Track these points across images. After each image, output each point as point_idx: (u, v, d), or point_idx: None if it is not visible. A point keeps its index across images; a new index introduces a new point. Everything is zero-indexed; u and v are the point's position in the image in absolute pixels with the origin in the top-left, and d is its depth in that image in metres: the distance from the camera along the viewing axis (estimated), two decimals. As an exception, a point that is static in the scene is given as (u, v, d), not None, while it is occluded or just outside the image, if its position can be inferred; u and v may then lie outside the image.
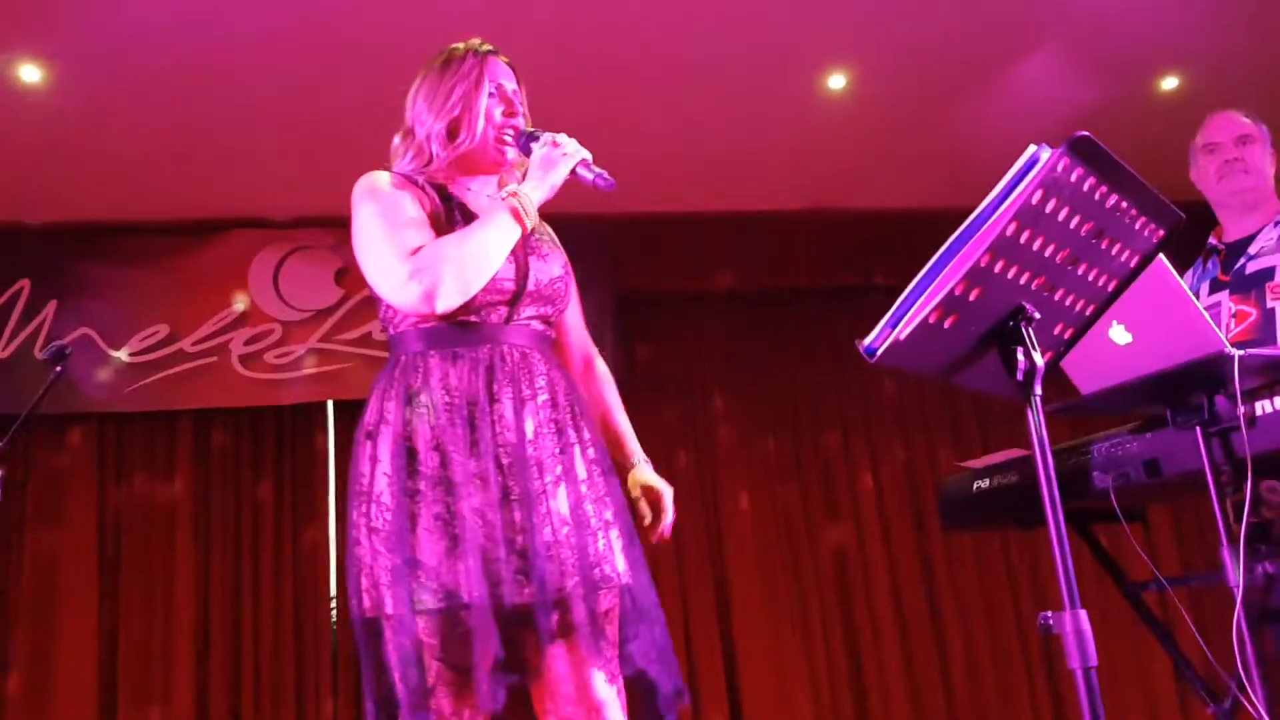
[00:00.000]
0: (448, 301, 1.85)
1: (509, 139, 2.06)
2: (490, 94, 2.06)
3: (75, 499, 5.17)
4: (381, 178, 2.04)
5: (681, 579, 5.57)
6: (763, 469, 5.88)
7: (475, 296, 1.89)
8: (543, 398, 1.93)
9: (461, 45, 2.12)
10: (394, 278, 1.87)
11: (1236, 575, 2.01)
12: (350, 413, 5.42)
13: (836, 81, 4.89)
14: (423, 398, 1.89)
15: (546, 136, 2.01)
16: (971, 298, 1.48)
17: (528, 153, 2.03)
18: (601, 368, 2.27)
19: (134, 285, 5.33)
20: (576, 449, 1.94)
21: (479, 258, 1.86)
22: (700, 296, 5.97)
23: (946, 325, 1.49)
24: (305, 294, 5.47)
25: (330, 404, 5.43)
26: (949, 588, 5.77)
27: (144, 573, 5.14)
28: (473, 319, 1.93)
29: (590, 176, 1.98)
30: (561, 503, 1.87)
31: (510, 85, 2.10)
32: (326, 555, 5.23)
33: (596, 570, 1.86)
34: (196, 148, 4.82)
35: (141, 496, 5.26)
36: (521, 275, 1.97)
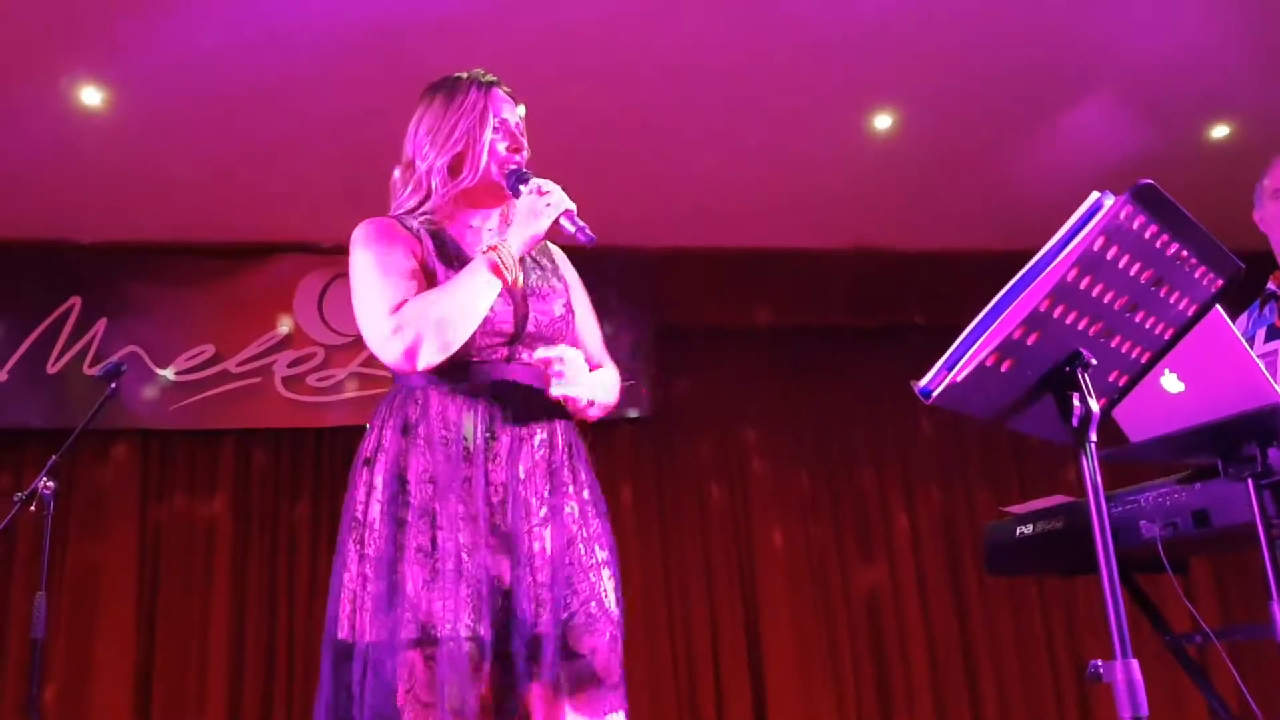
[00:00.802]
0: (427, 359, 1.87)
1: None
2: (495, 128, 2.04)
3: (117, 514, 5.24)
4: (376, 227, 2.03)
5: (712, 614, 5.55)
6: (797, 506, 5.86)
7: (474, 339, 1.91)
8: (539, 438, 1.94)
9: (465, 75, 2.11)
10: (377, 334, 1.90)
11: (1285, 630, 1.98)
12: (389, 437, 5.46)
13: (883, 122, 4.91)
14: (419, 430, 1.90)
15: (533, 183, 1.98)
16: (1029, 342, 1.48)
17: (516, 194, 2.01)
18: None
19: (182, 305, 5.42)
20: (570, 488, 1.95)
21: (457, 315, 1.87)
22: (739, 332, 5.98)
23: (1003, 369, 1.49)
24: (348, 319, 5.48)
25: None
26: (983, 632, 5.70)
27: (182, 590, 5.18)
28: (474, 359, 1.94)
29: (572, 229, 1.95)
30: (548, 543, 1.87)
31: (513, 118, 2.08)
32: (361, 578, 5.25)
33: (586, 609, 1.86)
34: (248, 172, 4.91)
35: (182, 514, 5.32)
36: (519, 318, 1.98)
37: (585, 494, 1.97)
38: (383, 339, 1.89)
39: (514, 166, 2.03)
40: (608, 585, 1.91)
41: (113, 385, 3.35)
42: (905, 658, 5.63)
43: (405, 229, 2.01)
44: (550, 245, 2.17)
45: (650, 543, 5.54)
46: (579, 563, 1.88)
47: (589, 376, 1.99)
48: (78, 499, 5.19)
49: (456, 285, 1.89)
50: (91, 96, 4.41)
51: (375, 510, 1.87)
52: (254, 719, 5.03)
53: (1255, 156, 3.04)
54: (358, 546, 1.88)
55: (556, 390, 1.93)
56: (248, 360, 5.40)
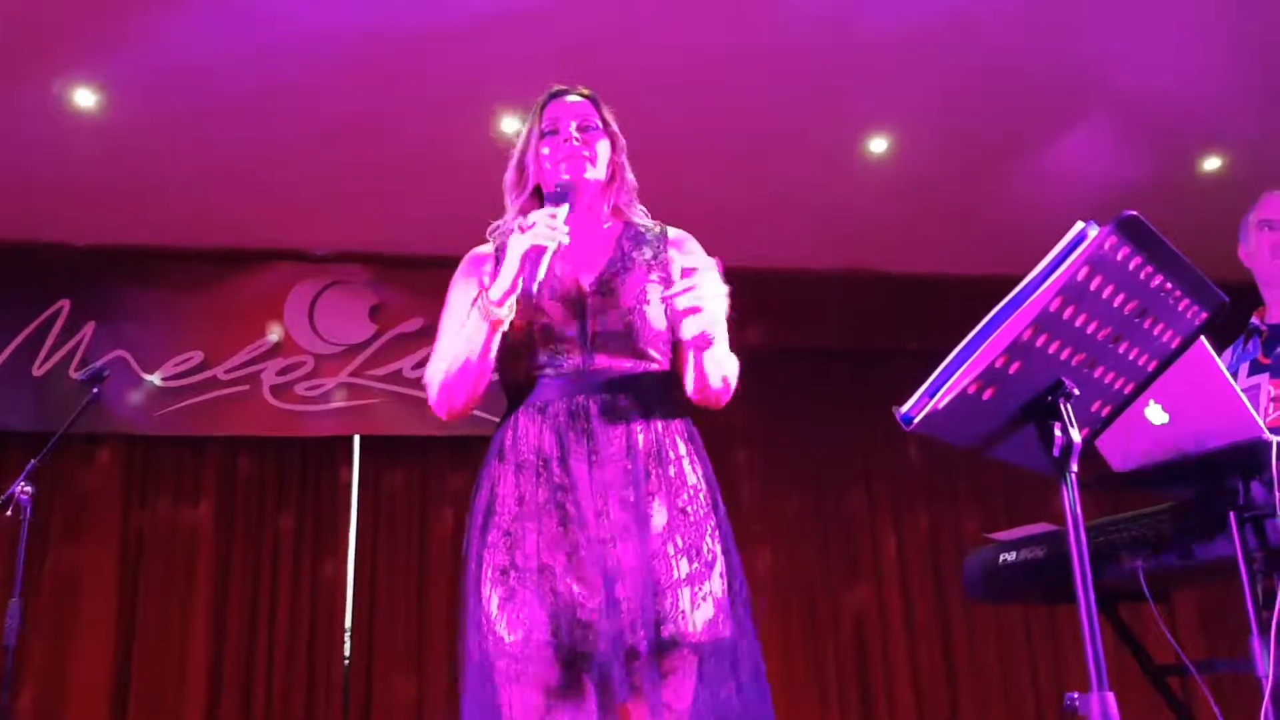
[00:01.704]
0: (450, 411, 1.93)
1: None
2: (544, 137, 2.01)
3: (99, 519, 5.20)
4: (463, 265, 2.06)
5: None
6: (785, 527, 5.84)
7: (544, 345, 1.90)
8: (619, 446, 1.87)
9: (548, 90, 2.10)
10: (425, 380, 1.98)
11: (1266, 665, 1.97)
12: (376, 448, 5.45)
13: (878, 145, 4.93)
14: (510, 454, 1.89)
15: (532, 216, 1.84)
16: (1012, 371, 1.47)
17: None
18: None
19: (171, 310, 5.40)
20: (655, 500, 1.86)
21: (455, 370, 1.89)
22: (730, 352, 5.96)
23: (985, 397, 1.48)
24: (339, 328, 5.52)
25: (357, 438, 5.45)
26: (967, 657, 5.69)
27: (162, 596, 5.15)
28: (548, 372, 1.91)
29: (523, 278, 1.80)
30: (629, 558, 1.81)
31: (570, 121, 2.01)
32: (344, 589, 5.23)
33: (664, 632, 1.79)
34: (241, 177, 4.90)
35: (165, 520, 5.28)
36: (580, 324, 1.91)
37: (683, 497, 1.90)
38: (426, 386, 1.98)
39: (559, 184, 1.95)
40: (686, 605, 1.81)
41: (95, 390, 3.33)
42: (889, 680, 5.61)
43: (491, 257, 2.02)
44: (672, 232, 2.10)
45: (637, 561, 5.52)
46: (660, 582, 1.81)
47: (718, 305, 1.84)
48: (60, 503, 5.16)
49: (454, 342, 1.92)
50: (85, 99, 4.40)
51: (472, 534, 1.89)
52: (231, 728, 4.99)
53: (1247, 189, 3.05)
54: (464, 572, 1.90)
55: (691, 330, 1.81)
56: (236, 367, 5.38)
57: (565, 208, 1.86)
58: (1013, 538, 2.62)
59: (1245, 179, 3.39)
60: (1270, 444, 1.91)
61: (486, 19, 4.03)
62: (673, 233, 2.11)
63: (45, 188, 4.92)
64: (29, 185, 4.88)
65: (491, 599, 1.80)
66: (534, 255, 1.79)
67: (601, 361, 1.91)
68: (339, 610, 5.22)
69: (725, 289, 1.87)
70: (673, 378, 1.99)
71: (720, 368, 1.98)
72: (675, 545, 1.85)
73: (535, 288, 1.79)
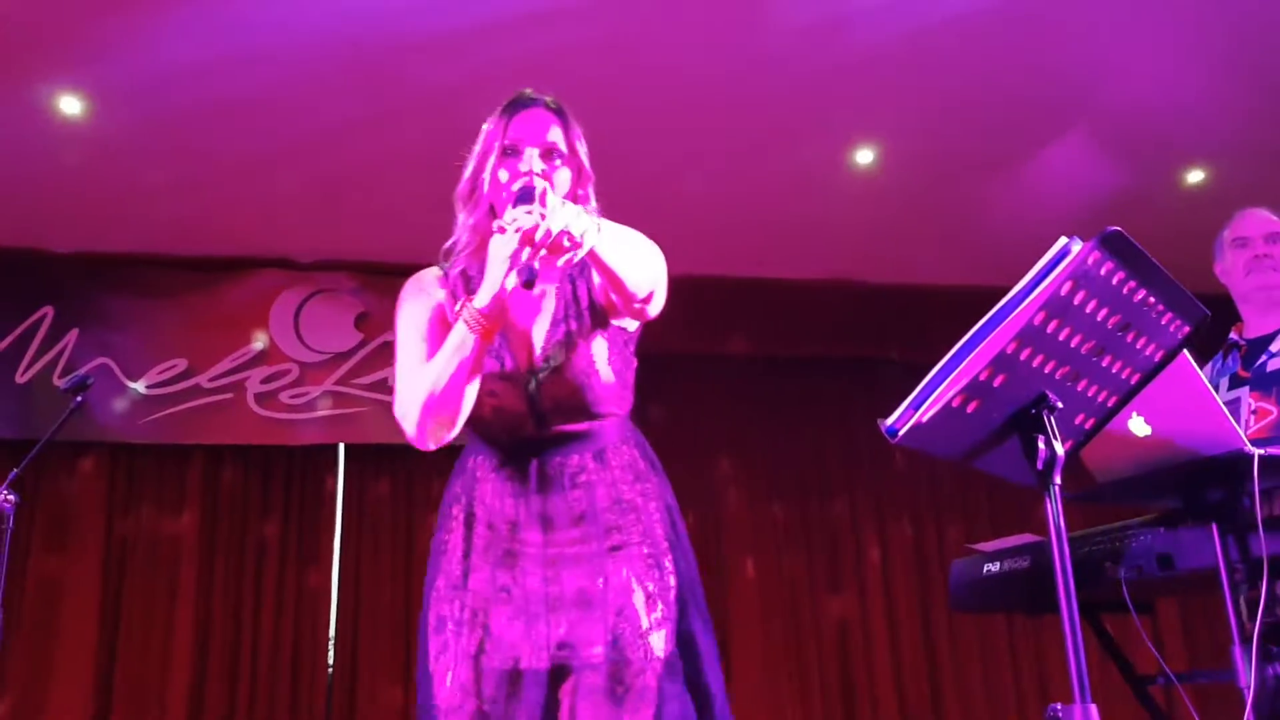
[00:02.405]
0: (432, 439, 1.79)
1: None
2: (503, 153, 1.87)
3: (82, 527, 5.18)
4: (408, 289, 1.94)
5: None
6: (770, 536, 5.85)
7: (496, 423, 1.85)
8: (575, 509, 1.84)
9: (513, 97, 1.94)
10: (397, 416, 1.83)
11: (1248, 676, 1.98)
12: (361, 457, 5.43)
13: (864, 156, 4.95)
14: (465, 504, 1.88)
15: (509, 215, 1.67)
16: (995, 384, 1.48)
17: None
18: None
19: (155, 318, 5.38)
20: (620, 553, 1.84)
21: (443, 396, 1.74)
22: (715, 360, 5.98)
23: (969, 410, 1.49)
24: (324, 336, 5.51)
25: (342, 447, 5.43)
26: (951, 667, 5.70)
27: (145, 605, 5.12)
28: (502, 438, 1.87)
29: (511, 284, 1.66)
30: (576, 618, 1.79)
31: (535, 143, 1.86)
32: (328, 598, 5.22)
33: (627, 673, 1.77)
34: (227, 186, 4.89)
35: (148, 529, 5.26)
36: (532, 396, 1.85)
37: (646, 546, 1.86)
38: (400, 422, 1.81)
39: (521, 185, 1.77)
40: (656, 645, 1.79)
41: (78, 399, 3.31)
42: (873, 689, 5.62)
43: (443, 278, 1.94)
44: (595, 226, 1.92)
45: (621, 569, 5.51)
46: (628, 631, 1.80)
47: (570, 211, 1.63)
48: (43, 511, 5.13)
49: (439, 362, 1.76)
50: (71, 106, 4.38)
51: (427, 578, 1.89)
52: (215, 739, 4.97)
53: (1230, 201, 3.08)
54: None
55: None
56: (220, 375, 5.36)
57: (537, 205, 1.68)
58: (996, 548, 2.63)
59: (1228, 192, 3.42)
60: (1251, 456, 1.92)
61: (472, 28, 4.03)
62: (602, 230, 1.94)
63: (29, 194, 4.90)
64: (13, 192, 4.86)
65: (429, 648, 1.81)
66: (515, 258, 1.62)
67: (556, 426, 1.86)
68: (323, 619, 5.20)
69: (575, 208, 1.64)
70: (628, 419, 1.97)
71: (624, 263, 1.75)
72: (644, 591, 1.83)
73: (536, 289, 1.70)
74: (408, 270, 2.03)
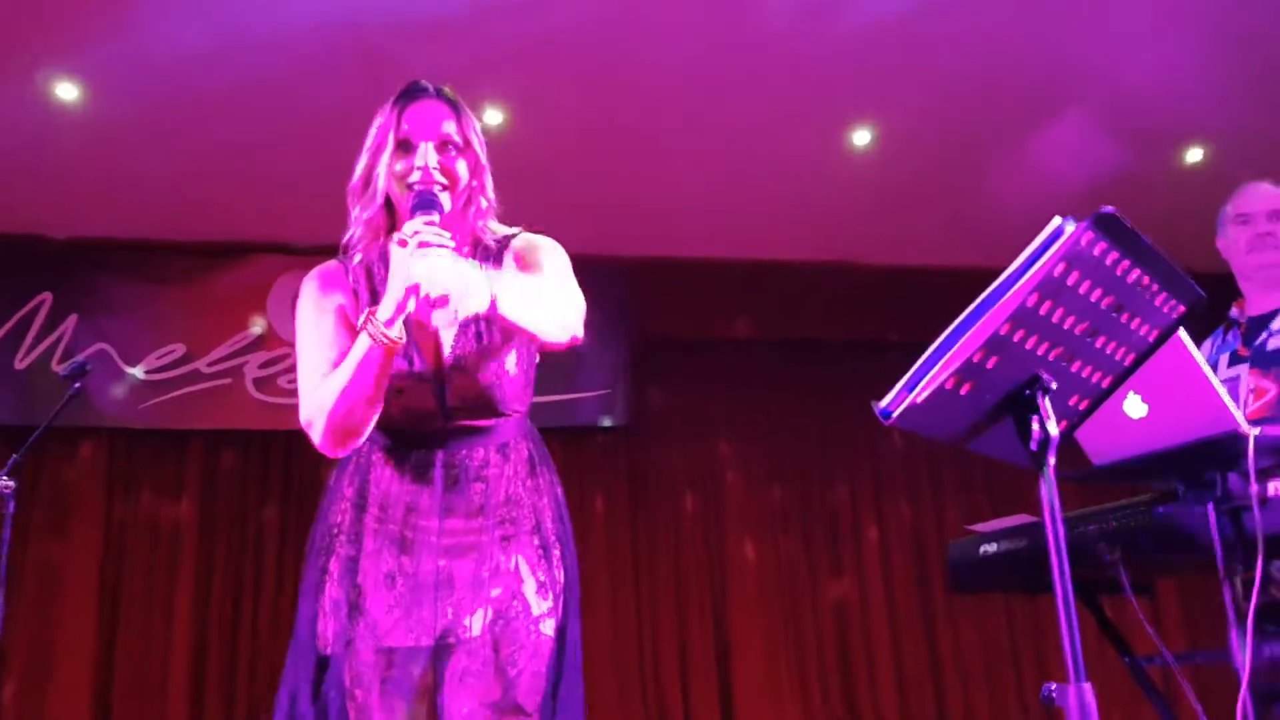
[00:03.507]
0: (339, 446, 1.78)
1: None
2: (397, 147, 1.83)
3: (82, 512, 5.19)
4: (307, 287, 1.91)
5: (682, 622, 5.55)
6: (769, 517, 5.86)
7: (402, 419, 1.84)
8: (471, 502, 1.85)
9: (405, 86, 1.92)
10: (302, 422, 1.79)
11: (1243, 655, 1.99)
12: (360, 441, 5.43)
13: (862, 137, 4.93)
14: (359, 491, 1.88)
15: (409, 227, 1.66)
16: (989, 366, 1.48)
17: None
18: None
19: (154, 304, 5.38)
20: (511, 544, 1.86)
21: (348, 406, 1.72)
22: (715, 343, 5.98)
23: (963, 392, 1.49)
24: (323, 321, 5.48)
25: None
26: (950, 648, 5.72)
27: (145, 589, 5.14)
28: (404, 429, 1.86)
29: (405, 313, 1.64)
30: (478, 624, 1.81)
31: (431, 135, 1.84)
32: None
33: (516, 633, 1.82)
34: (223, 171, 4.88)
35: (147, 513, 5.27)
36: (439, 394, 1.84)
37: (536, 540, 1.89)
38: (305, 426, 1.79)
39: (419, 192, 1.76)
40: (543, 626, 1.83)
41: (76, 384, 3.31)
42: (872, 669, 5.64)
43: (344, 273, 1.91)
44: (517, 241, 1.93)
45: (622, 552, 5.53)
46: (518, 639, 1.82)
47: (467, 275, 1.62)
48: (42, 496, 5.15)
49: (343, 371, 1.72)
50: (67, 91, 4.37)
51: (309, 560, 1.91)
52: (215, 718, 4.98)
53: (1228, 180, 3.06)
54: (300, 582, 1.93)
55: (438, 319, 1.63)
56: (219, 360, 5.37)
57: (436, 216, 1.71)
58: (994, 529, 2.63)
59: (1227, 170, 3.40)
60: (1247, 436, 1.92)
61: (470, 12, 4.02)
62: (517, 242, 1.94)
63: (27, 181, 4.89)
64: (10, 178, 4.85)
65: (326, 629, 1.84)
66: (412, 291, 1.59)
67: (460, 421, 1.86)
68: (323, 603, 5.21)
69: (446, 256, 1.63)
70: (526, 415, 1.97)
71: (530, 318, 1.72)
72: (535, 580, 1.85)
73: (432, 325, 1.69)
74: (404, 254, 2.01)
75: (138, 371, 5.28)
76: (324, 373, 1.78)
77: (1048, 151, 4.86)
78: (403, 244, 1.64)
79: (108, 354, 5.24)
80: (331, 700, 1.79)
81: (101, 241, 5.37)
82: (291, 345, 5.30)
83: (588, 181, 4.64)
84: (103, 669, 4.98)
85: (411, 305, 1.60)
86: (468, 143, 1.87)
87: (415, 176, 1.79)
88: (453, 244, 1.66)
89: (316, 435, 1.77)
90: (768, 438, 5.96)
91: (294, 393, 5.56)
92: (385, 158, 1.83)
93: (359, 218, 1.89)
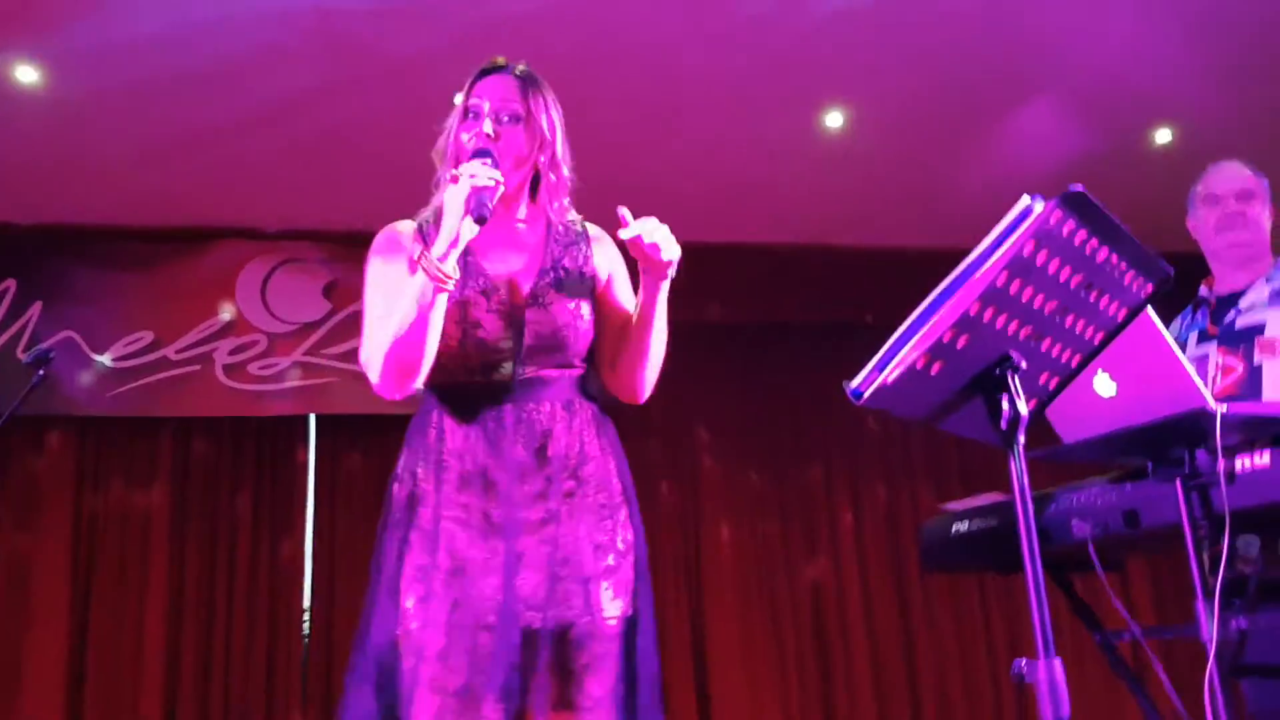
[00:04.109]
0: (398, 389, 1.84)
1: None
2: (465, 118, 1.96)
3: (51, 503, 5.13)
4: (383, 241, 1.99)
5: (659, 606, 5.54)
6: (745, 502, 5.87)
7: (473, 360, 1.88)
8: (544, 458, 1.89)
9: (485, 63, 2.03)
10: (362, 363, 1.90)
11: (1210, 629, 2.01)
12: (333, 427, 5.41)
13: (834, 120, 4.93)
14: (433, 456, 1.90)
15: (463, 167, 1.83)
16: (959, 345, 1.48)
17: None
18: None
19: (120, 290, 5.31)
20: (576, 501, 1.90)
21: (399, 341, 1.79)
22: (687, 327, 5.92)
23: (933, 371, 1.50)
24: (293, 306, 5.46)
25: (313, 418, 5.40)
26: (924, 628, 5.76)
27: (117, 580, 5.09)
28: (478, 379, 1.91)
29: (473, 215, 1.78)
30: (543, 565, 1.84)
31: (494, 104, 1.95)
32: (301, 569, 5.21)
33: (577, 628, 1.83)
34: (190, 155, 4.82)
35: (118, 503, 5.21)
36: (517, 332, 1.91)
37: (603, 496, 1.93)
38: (365, 370, 1.88)
39: (476, 147, 1.90)
40: (605, 600, 1.86)
41: (40, 372, 3.26)
42: (847, 652, 5.67)
43: (418, 230, 1.98)
44: (591, 229, 2.07)
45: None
46: (574, 577, 1.85)
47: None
48: (10, 487, 5.09)
49: (400, 311, 1.81)
50: (27, 74, 4.30)
51: (391, 529, 1.91)
52: (190, 711, 4.95)
53: (1198, 161, 3.07)
54: (373, 564, 1.92)
55: (630, 232, 1.83)
56: (188, 347, 5.31)
57: (490, 159, 1.85)
58: (965, 508, 2.65)
59: (1196, 151, 3.41)
60: (1214, 414, 1.94)
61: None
62: (593, 230, 2.08)
63: (-12, 166, 4.82)
64: (-29, 164, 4.78)
65: (409, 598, 1.82)
66: (475, 194, 1.77)
67: (530, 371, 1.92)
68: (297, 590, 5.19)
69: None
70: (589, 375, 2.03)
71: (659, 348, 2.01)
72: (596, 543, 1.89)
73: (485, 215, 1.77)
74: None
75: (106, 359, 5.22)
76: (386, 317, 1.84)
77: (1019, 132, 4.88)
78: (454, 180, 1.80)
79: (75, 342, 5.17)
80: (411, 674, 1.78)
81: (66, 227, 5.30)
82: (260, 332, 5.36)
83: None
84: (75, 660, 4.94)
85: (467, 230, 1.76)
86: (531, 115, 1.97)
87: (467, 137, 1.93)
88: (503, 183, 1.82)
89: (374, 374, 1.85)
90: (743, 422, 5.97)
91: (264, 380, 5.53)
92: (453, 126, 1.97)
93: (437, 180, 1.97)
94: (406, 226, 2.00)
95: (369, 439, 5.41)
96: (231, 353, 5.35)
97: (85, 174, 4.91)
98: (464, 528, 1.85)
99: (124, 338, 5.25)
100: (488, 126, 1.92)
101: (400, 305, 1.80)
